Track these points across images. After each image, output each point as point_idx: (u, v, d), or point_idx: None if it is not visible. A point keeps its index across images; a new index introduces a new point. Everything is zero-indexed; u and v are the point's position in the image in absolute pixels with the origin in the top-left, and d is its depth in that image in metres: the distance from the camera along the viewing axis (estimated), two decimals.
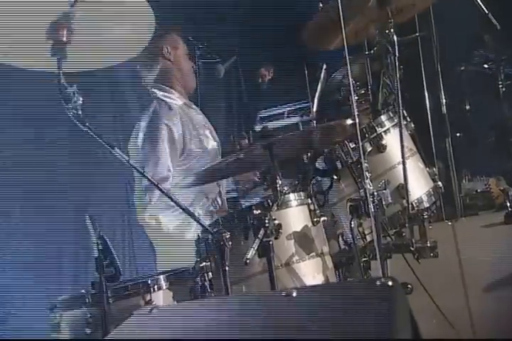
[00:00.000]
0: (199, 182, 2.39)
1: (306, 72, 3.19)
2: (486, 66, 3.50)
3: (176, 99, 2.77)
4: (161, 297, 2.08)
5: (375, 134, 2.38)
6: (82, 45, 1.84)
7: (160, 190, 1.97)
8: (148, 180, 2.01)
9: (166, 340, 1.24)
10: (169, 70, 2.82)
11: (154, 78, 2.81)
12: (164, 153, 2.57)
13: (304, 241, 2.06)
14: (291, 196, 2.12)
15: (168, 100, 2.75)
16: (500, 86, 3.42)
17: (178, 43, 2.88)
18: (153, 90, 2.76)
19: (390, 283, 1.07)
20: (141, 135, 2.61)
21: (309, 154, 2.40)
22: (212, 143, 2.82)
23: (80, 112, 1.82)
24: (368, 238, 2.21)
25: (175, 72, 2.83)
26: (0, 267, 2.67)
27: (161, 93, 2.76)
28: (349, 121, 2.01)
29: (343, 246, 2.34)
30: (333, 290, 1.28)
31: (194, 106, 2.88)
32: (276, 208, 1.97)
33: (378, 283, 1.09)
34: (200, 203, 2.62)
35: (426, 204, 2.36)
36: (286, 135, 2.05)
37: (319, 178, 2.42)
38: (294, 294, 1.15)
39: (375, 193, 2.06)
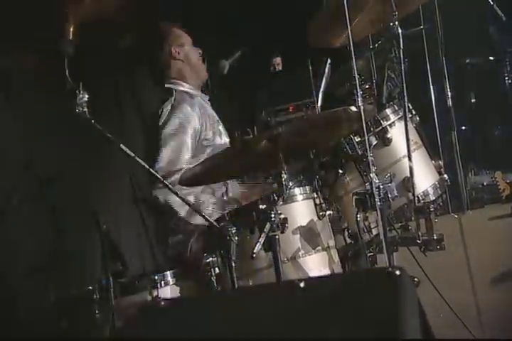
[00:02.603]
0: (201, 183, 2.39)
1: (311, 67, 3.18)
2: (491, 58, 3.48)
3: (192, 90, 2.79)
4: (168, 292, 2.09)
5: (380, 128, 2.37)
6: None
7: (165, 185, 1.97)
8: (154, 175, 2.01)
9: (174, 335, 1.25)
10: (181, 68, 2.83)
11: (169, 77, 2.83)
12: (187, 137, 2.59)
13: (309, 235, 2.06)
14: (297, 190, 2.12)
15: (187, 90, 2.77)
16: (506, 78, 3.41)
17: (182, 39, 2.87)
18: (169, 86, 2.78)
19: (397, 273, 1.07)
20: (164, 119, 2.62)
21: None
22: (225, 139, 2.82)
23: (85, 109, 1.83)
24: (374, 231, 2.21)
25: (187, 68, 2.84)
26: (6, 264, 2.68)
27: (178, 87, 2.78)
28: (353, 108, 2.00)
29: (349, 240, 2.34)
30: (340, 280, 1.28)
31: (207, 101, 2.89)
32: (281, 202, 1.97)
33: (386, 272, 1.09)
34: (205, 201, 2.61)
35: (432, 197, 2.36)
36: (291, 124, 2.04)
37: (324, 172, 2.42)
38: (302, 285, 1.16)
39: (381, 187, 2.05)
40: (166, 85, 2.77)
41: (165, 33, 2.85)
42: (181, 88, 2.78)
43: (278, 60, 3.53)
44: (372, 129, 2.36)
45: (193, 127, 2.62)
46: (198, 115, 2.67)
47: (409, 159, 2.18)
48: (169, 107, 2.65)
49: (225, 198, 2.65)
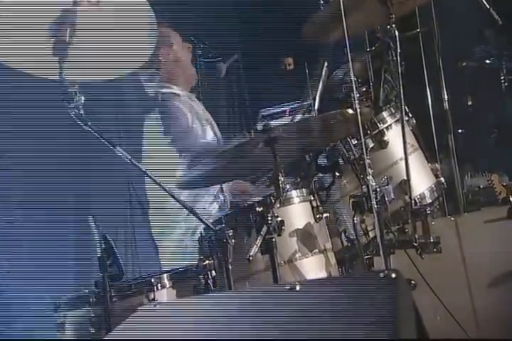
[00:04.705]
0: (199, 185, 2.39)
1: (307, 69, 3.18)
2: (488, 61, 3.49)
3: (179, 91, 2.78)
4: (164, 295, 2.08)
5: (377, 130, 2.38)
6: (85, 54, 1.84)
7: (163, 188, 1.96)
8: (150, 178, 2.00)
9: (170, 338, 1.24)
10: (170, 69, 2.82)
11: (158, 80, 2.82)
12: (186, 128, 2.59)
13: (306, 237, 2.06)
14: (294, 193, 2.12)
15: (174, 91, 2.76)
16: (503, 81, 3.42)
17: (171, 38, 2.86)
18: (157, 89, 2.77)
19: (393, 275, 1.07)
20: (156, 122, 2.63)
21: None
22: (214, 137, 2.82)
23: (81, 112, 1.82)
24: (371, 234, 2.21)
25: (176, 68, 2.83)
26: (3, 268, 2.68)
27: (165, 89, 2.77)
28: (350, 111, 2.01)
29: (345, 243, 2.34)
30: (336, 283, 1.28)
31: (195, 99, 2.88)
32: (278, 205, 1.97)
33: (381, 275, 1.10)
34: (202, 200, 2.61)
35: (428, 200, 2.36)
36: (287, 127, 2.05)
37: (321, 175, 2.42)
38: (298, 288, 1.16)
39: (378, 189, 2.06)
40: (155, 88, 2.77)
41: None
42: (169, 90, 2.77)
43: (290, 60, 3.56)
44: (368, 132, 2.36)
45: (184, 123, 2.62)
46: (186, 113, 2.67)
47: (406, 162, 2.18)
48: (157, 110, 2.65)
49: (220, 196, 2.65)
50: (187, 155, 2.53)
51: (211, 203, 2.60)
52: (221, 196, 2.64)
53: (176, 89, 2.79)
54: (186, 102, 2.76)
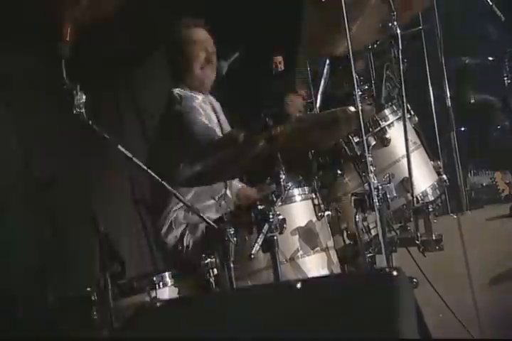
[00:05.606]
0: (204, 182, 2.38)
1: (309, 68, 3.18)
2: (490, 58, 3.49)
3: (195, 94, 2.73)
4: (166, 294, 2.08)
5: (378, 128, 2.38)
6: None
7: (166, 186, 1.96)
8: (153, 177, 2.00)
9: (171, 336, 1.24)
10: (186, 68, 2.77)
11: (172, 79, 2.78)
12: (205, 125, 2.57)
13: (308, 235, 2.06)
14: (295, 191, 2.11)
15: (188, 94, 2.71)
16: (505, 78, 3.42)
17: (191, 38, 2.80)
18: (171, 91, 2.73)
19: (395, 273, 1.07)
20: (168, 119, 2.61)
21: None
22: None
23: (83, 110, 1.83)
24: (373, 232, 2.21)
25: (192, 68, 2.76)
26: (4, 266, 2.68)
27: (177, 90, 2.72)
28: (352, 108, 2.00)
29: (347, 241, 2.33)
30: (338, 281, 1.28)
31: (212, 101, 2.83)
32: (280, 203, 1.96)
33: (383, 273, 1.09)
34: (204, 203, 2.59)
35: (431, 198, 2.36)
36: (290, 124, 2.04)
37: (323, 173, 2.42)
38: (298, 285, 1.15)
39: (380, 187, 2.05)
40: (171, 90, 2.71)
41: (180, 33, 2.80)
42: (182, 93, 2.72)
43: (279, 58, 3.55)
44: (370, 130, 2.36)
45: (203, 120, 2.60)
46: (202, 112, 2.65)
47: (408, 159, 2.18)
48: (174, 109, 2.61)
49: (222, 202, 2.62)
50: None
51: (210, 207, 2.57)
52: (223, 202, 2.61)
53: (194, 93, 2.73)
54: (202, 106, 2.71)
